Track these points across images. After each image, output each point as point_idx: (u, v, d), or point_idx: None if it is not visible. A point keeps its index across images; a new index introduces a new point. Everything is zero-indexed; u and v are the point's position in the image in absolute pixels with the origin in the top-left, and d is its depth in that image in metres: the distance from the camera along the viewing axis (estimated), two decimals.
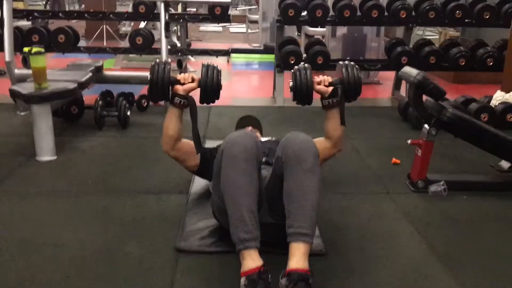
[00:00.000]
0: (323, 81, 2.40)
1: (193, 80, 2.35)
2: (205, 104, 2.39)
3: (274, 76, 5.26)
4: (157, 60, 2.38)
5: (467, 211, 2.63)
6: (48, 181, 2.92)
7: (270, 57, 5.94)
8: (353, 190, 2.88)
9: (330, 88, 2.39)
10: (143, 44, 4.75)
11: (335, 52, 6.16)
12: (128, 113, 4.00)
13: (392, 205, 2.68)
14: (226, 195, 1.90)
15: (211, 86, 2.31)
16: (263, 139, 2.70)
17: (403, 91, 5.38)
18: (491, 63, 4.82)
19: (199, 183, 2.78)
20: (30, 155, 3.26)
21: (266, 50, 8.32)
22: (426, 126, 2.81)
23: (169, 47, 4.68)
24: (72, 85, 3.27)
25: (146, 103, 4.61)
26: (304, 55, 4.98)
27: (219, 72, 2.36)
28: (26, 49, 3.19)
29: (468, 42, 5.05)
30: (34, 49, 3.13)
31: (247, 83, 6.49)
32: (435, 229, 2.43)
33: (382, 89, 6.14)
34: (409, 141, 2.86)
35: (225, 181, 1.91)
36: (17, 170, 3.06)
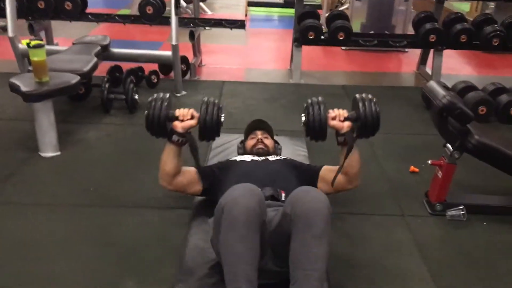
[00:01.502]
0: (338, 116, 2.23)
1: (192, 117, 2.23)
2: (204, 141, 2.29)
3: (292, 48, 4.97)
4: (155, 95, 2.24)
5: (486, 244, 2.47)
6: (49, 187, 2.82)
7: (291, 11, 5.59)
8: (366, 209, 2.72)
9: (346, 124, 2.21)
10: (154, 14, 4.46)
11: (358, 15, 5.80)
12: (136, 96, 3.83)
13: (406, 233, 2.53)
14: (224, 261, 1.77)
15: (210, 124, 2.19)
16: (271, 158, 2.53)
17: (429, 65, 5.06)
18: None
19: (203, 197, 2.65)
20: (34, 149, 3.16)
21: (286, 4, 7.91)
22: (449, 146, 2.60)
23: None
24: (74, 79, 3.08)
25: (156, 79, 4.42)
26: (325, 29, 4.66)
27: (219, 109, 2.22)
28: (24, 42, 2.99)
29: (505, 18, 4.63)
30: (33, 42, 2.93)
31: (264, 48, 6.17)
32: (449, 270, 2.29)
33: (407, 59, 5.80)
34: (429, 162, 2.66)
35: (224, 246, 1.78)
36: (19, 170, 2.97)
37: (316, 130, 2.17)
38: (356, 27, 5.56)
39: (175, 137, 2.23)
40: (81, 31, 5.79)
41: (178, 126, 2.22)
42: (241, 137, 3.31)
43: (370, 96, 2.24)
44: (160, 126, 2.19)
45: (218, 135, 2.27)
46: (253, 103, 4.19)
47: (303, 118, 2.21)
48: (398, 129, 3.82)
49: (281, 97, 4.35)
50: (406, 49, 5.84)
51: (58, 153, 3.16)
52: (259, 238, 1.80)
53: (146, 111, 2.20)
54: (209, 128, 2.19)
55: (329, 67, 5.44)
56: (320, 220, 1.76)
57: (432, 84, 2.57)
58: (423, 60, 5.15)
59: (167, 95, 2.27)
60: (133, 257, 2.27)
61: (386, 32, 5.49)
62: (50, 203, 2.66)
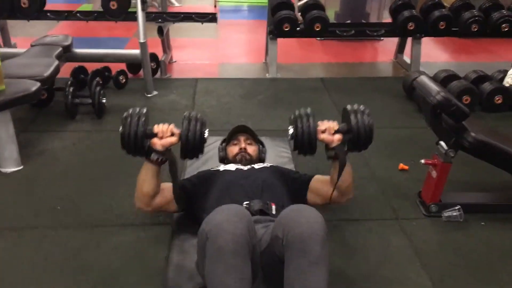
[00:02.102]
0: (328, 129, 2.05)
1: (172, 134, 2.02)
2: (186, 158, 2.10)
3: (266, 41, 4.75)
4: (130, 111, 2.01)
5: (485, 245, 2.35)
6: (12, 207, 2.55)
7: (261, 1, 5.37)
8: (359, 214, 2.56)
9: (336, 137, 2.04)
10: (119, 9, 4.17)
11: (332, 4, 5.63)
12: (104, 100, 3.56)
13: (403, 238, 2.38)
14: None
15: (193, 141, 1.98)
16: (257, 166, 2.33)
17: (407, 53, 4.93)
18: (506, 29, 4.36)
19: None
20: None
21: None
22: (443, 144, 2.45)
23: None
24: (34, 86, 2.80)
25: (124, 80, 4.15)
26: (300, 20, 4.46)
27: (203, 124, 2.01)
28: None
29: (482, 3, 4.52)
30: None
31: (236, 41, 5.93)
32: (451, 276, 2.14)
33: (383, 48, 5.66)
34: (422, 161, 2.51)
35: (211, 278, 1.57)
36: None
37: (305, 144, 2.01)
38: (330, 16, 5.39)
39: (154, 156, 2.02)
40: (41, 29, 5.46)
41: (157, 143, 2.02)
42: (218, 140, 3.11)
43: (362, 107, 2.08)
44: (137, 144, 1.98)
45: (202, 153, 2.08)
46: (229, 101, 3.98)
47: (291, 131, 2.05)
48: (381, 122, 3.65)
49: (258, 93, 4.14)
50: (382, 38, 5.70)
51: (20, 167, 2.89)
52: (250, 266, 1.60)
53: (121, 128, 1.98)
54: (192, 146, 2.00)
55: (305, 59, 5.25)
56: (316, 243, 1.57)
57: (424, 79, 2.41)
58: (400, 49, 5.02)
59: (144, 109, 2.05)
60: (111, 284, 2.05)
61: (363, 21, 5.33)
62: (13, 227, 2.40)
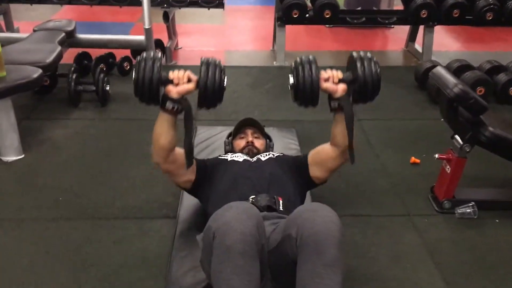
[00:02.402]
0: (331, 77, 1.91)
1: (189, 80, 1.87)
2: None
3: (274, 28, 4.64)
4: (144, 55, 1.86)
5: (500, 244, 2.26)
6: (12, 197, 2.49)
7: None
8: (369, 209, 2.48)
9: (341, 87, 1.90)
10: None
11: None
12: (107, 87, 3.47)
13: (414, 236, 2.29)
14: None
15: (212, 89, 1.84)
16: (263, 157, 2.24)
17: (418, 42, 4.80)
18: None
19: (188, 203, 2.36)
20: None
21: None
22: (458, 138, 2.35)
23: None
24: (35, 73, 2.72)
25: (129, 66, 4.06)
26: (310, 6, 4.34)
27: (222, 70, 1.87)
28: None
29: None
30: None
31: (243, 27, 5.80)
32: (465, 277, 2.06)
33: (393, 35, 5.52)
34: (436, 156, 2.42)
35: (217, 278, 1.50)
36: None
37: (306, 93, 1.85)
38: (339, 1, 5.26)
39: (169, 104, 1.87)
40: (45, 13, 5.37)
41: (173, 91, 1.86)
42: (225, 130, 3.03)
43: (369, 54, 1.93)
44: (152, 91, 1.83)
45: (221, 102, 1.94)
46: (236, 90, 3.88)
47: (291, 80, 1.90)
48: (392, 113, 3.58)
49: (265, 82, 4.04)
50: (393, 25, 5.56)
51: (21, 156, 2.82)
52: (258, 267, 1.53)
53: (134, 74, 1.83)
54: (211, 94, 1.85)
55: (314, 46, 5.13)
56: (332, 245, 1.49)
57: (440, 70, 2.31)
58: (412, 37, 4.88)
59: (159, 54, 1.90)
60: (114, 281, 1.98)
61: (374, 8, 5.18)
62: (13, 218, 2.34)
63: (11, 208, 2.41)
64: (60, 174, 2.69)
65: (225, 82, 1.88)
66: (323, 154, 2.11)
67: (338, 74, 1.91)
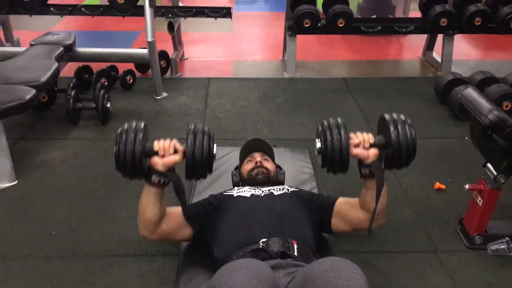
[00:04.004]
0: (362, 142, 1.74)
1: (176, 151, 1.72)
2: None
3: (284, 37, 4.42)
4: (125, 125, 1.71)
5: None
6: (3, 231, 2.29)
7: None
8: (392, 245, 2.24)
9: (372, 152, 1.74)
10: (126, 3, 3.87)
11: None
12: (108, 105, 3.27)
13: (443, 276, 2.06)
14: None
15: (200, 159, 1.68)
16: (276, 191, 2.02)
17: (436, 50, 4.55)
18: None
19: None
20: None
21: None
22: (490, 167, 2.11)
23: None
24: (28, 93, 2.52)
25: (132, 80, 3.86)
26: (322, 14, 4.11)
27: (210, 138, 1.72)
28: None
29: None
30: None
31: (252, 35, 5.58)
32: None
33: (409, 43, 5.27)
34: (466, 187, 2.18)
35: None
36: None
37: (335, 160, 1.70)
38: (352, 8, 5.02)
39: (155, 178, 1.73)
40: (48, 21, 5.21)
41: (158, 163, 1.72)
42: (233, 151, 2.82)
43: (402, 116, 1.76)
44: (135, 165, 1.69)
45: (211, 172, 1.77)
46: (244, 105, 3.66)
47: (318, 145, 1.74)
48: None
49: (276, 96, 3.82)
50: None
51: (14, 182, 2.63)
52: None
53: (114, 147, 1.69)
54: (199, 165, 1.70)
55: (326, 55, 4.90)
56: None
57: (471, 93, 2.07)
58: (430, 45, 4.63)
59: (142, 123, 1.75)
60: None
61: (390, 15, 4.94)
62: (1, 256, 2.13)
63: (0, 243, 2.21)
64: (54, 203, 2.49)
65: (214, 150, 1.73)
66: (352, 213, 1.92)
67: (370, 138, 1.76)
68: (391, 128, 1.71)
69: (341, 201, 1.97)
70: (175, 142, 1.75)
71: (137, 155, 1.66)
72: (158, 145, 1.74)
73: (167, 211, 1.85)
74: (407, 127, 1.71)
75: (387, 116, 1.77)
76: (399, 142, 1.69)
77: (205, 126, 1.77)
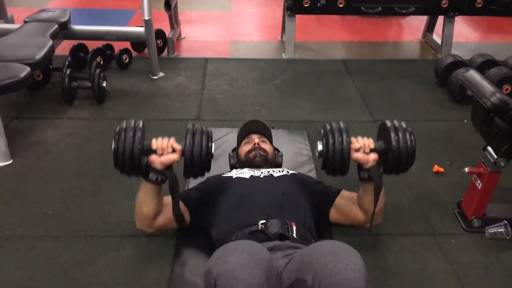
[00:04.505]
0: (363, 147, 1.78)
1: (174, 150, 1.74)
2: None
3: (283, 17, 4.36)
4: (124, 124, 1.73)
5: None
6: None
7: None
8: (390, 228, 2.23)
9: (372, 157, 1.78)
10: None
11: None
12: (104, 84, 3.22)
13: (441, 260, 2.05)
14: None
15: (198, 158, 1.71)
16: (276, 173, 2.00)
17: (437, 32, 4.49)
18: None
19: None
20: None
21: None
22: (491, 151, 2.10)
23: None
24: (22, 71, 2.47)
25: (128, 59, 3.80)
26: None
27: (209, 137, 1.74)
28: None
29: None
30: None
31: (250, 15, 5.50)
32: None
33: (409, 25, 5.21)
34: (466, 170, 2.16)
35: None
36: None
37: (336, 164, 1.76)
38: None
39: (152, 176, 1.76)
40: None
41: (156, 161, 1.74)
42: (230, 132, 2.80)
43: (403, 124, 1.82)
44: (133, 163, 1.72)
45: (208, 171, 1.80)
46: (242, 86, 3.62)
47: (319, 147, 1.79)
48: (411, 114, 3.30)
49: (274, 77, 3.78)
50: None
51: (9, 161, 2.59)
52: None
53: (113, 145, 1.71)
54: (197, 163, 1.73)
55: (325, 36, 4.83)
56: None
57: (473, 75, 2.04)
58: (430, 27, 4.58)
59: (140, 122, 1.78)
60: None
61: None
62: None
63: None
64: (50, 183, 2.46)
65: (212, 150, 1.75)
66: (351, 210, 1.96)
67: (370, 144, 1.79)
68: (392, 135, 1.76)
69: (344, 195, 2.01)
70: (173, 141, 1.77)
71: (135, 154, 1.70)
72: (156, 143, 1.75)
73: (164, 202, 1.86)
74: (407, 135, 1.77)
75: (388, 123, 1.82)
76: (399, 148, 1.74)
77: (203, 126, 1.78)
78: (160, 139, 1.74)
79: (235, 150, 2.29)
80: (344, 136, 1.75)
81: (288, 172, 2.04)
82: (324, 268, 1.30)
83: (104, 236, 2.13)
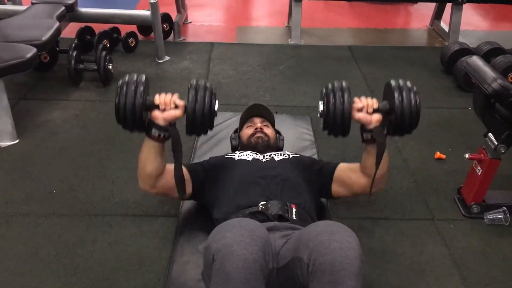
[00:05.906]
0: (365, 106, 1.70)
1: (176, 106, 1.68)
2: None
3: (290, 2, 4.35)
4: (126, 78, 1.67)
5: None
6: (4, 188, 2.31)
7: None
8: (389, 212, 2.26)
9: (375, 117, 1.70)
10: None
11: None
12: (110, 66, 3.25)
13: (439, 244, 2.07)
14: None
15: (201, 115, 1.65)
16: (277, 157, 2.02)
17: (444, 20, 4.46)
18: None
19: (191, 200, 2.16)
20: None
21: None
22: (491, 137, 2.11)
23: None
24: (29, 52, 2.50)
25: (134, 43, 3.82)
26: None
27: (212, 94, 1.68)
28: None
29: None
30: None
31: (257, 0, 5.48)
32: None
33: (417, 12, 5.18)
34: (466, 156, 2.17)
35: None
36: None
37: (337, 123, 1.67)
38: None
39: (155, 132, 1.71)
40: None
41: (159, 117, 1.69)
42: (234, 116, 2.81)
43: (409, 83, 1.72)
44: (135, 118, 1.66)
45: (211, 128, 1.75)
46: (247, 70, 3.63)
47: (321, 107, 1.71)
48: None
49: (279, 62, 3.78)
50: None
51: (16, 141, 2.64)
52: None
53: (115, 99, 1.66)
54: (200, 120, 1.68)
55: (332, 22, 4.82)
56: (350, 276, 1.28)
57: (476, 61, 2.04)
58: (438, 15, 4.55)
59: (143, 76, 1.72)
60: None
61: None
62: (1, 212, 2.16)
63: (0, 200, 2.23)
64: (55, 163, 2.50)
65: (216, 107, 1.69)
66: (353, 178, 1.90)
67: (373, 104, 1.71)
68: (396, 95, 1.67)
69: (342, 167, 1.96)
70: (176, 96, 1.72)
71: (137, 108, 1.64)
72: (159, 99, 1.70)
73: (167, 168, 1.82)
74: (412, 94, 1.67)
75: (393, 82, 1.73)
76: (403, 108, 1.65)
77: (207, 82, 1.72)
78: (163, 95, 1.70)
79: (237, 131, 2.31)
80: (346, 95, 1.66)
81: (289, 155, 2.05)
82: (320, 246, 1.32)
83: (107, 215, 2.17)
